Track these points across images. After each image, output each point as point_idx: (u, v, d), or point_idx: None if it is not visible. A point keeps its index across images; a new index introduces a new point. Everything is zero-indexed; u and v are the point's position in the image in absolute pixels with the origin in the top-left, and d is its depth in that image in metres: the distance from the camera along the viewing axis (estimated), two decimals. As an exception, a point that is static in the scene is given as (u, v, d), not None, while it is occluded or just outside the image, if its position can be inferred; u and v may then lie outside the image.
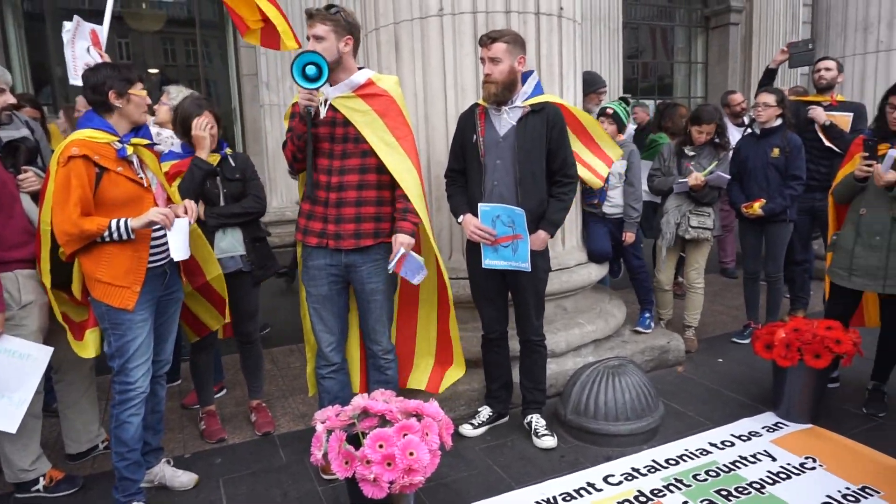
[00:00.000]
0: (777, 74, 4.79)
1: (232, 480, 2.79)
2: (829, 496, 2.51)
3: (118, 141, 2.30)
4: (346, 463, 2.10)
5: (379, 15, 3.59)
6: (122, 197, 2.30)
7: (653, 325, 4.08)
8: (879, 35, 5.51)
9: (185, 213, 2.43)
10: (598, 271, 3.82)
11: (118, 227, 2.26)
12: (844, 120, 4.41)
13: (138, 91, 2.32)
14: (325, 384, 2.77)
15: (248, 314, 3.20)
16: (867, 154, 2.99)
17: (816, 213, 4.47)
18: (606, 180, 3.80)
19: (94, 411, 3.01)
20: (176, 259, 2.38)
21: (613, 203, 3.91)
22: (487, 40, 2.71)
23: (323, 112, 2.56)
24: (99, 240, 2.26)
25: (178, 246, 2.35)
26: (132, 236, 2.29)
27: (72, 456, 2.96)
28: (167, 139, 3.55)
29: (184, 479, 2.73)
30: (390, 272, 2.60)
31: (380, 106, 2.60)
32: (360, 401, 2.29)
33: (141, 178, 2.37)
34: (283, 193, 8.41)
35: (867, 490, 2.55)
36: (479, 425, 3.11)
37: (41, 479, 2.69)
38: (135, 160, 2.36)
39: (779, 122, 4.03)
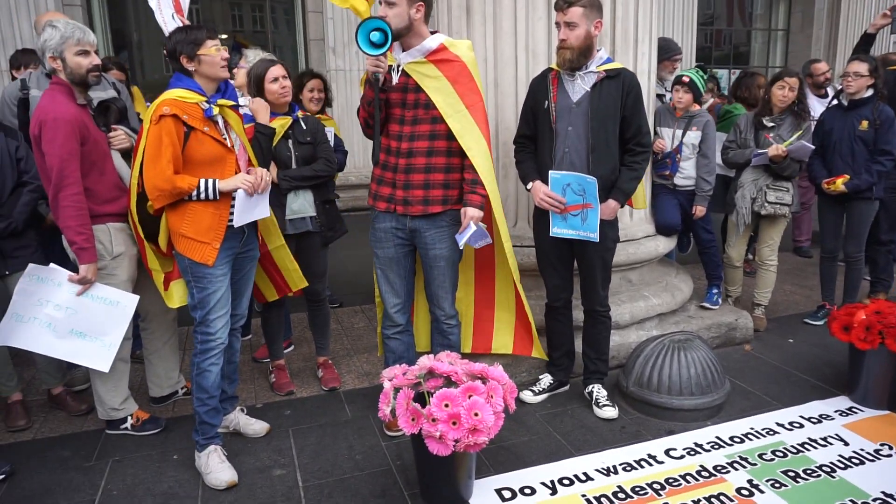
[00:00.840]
0: (875, 40, 4.47)
1: (301, 431, 2.92)
2: (906, 484, 2.43)
3: (206, 101, 2.37)
4: (413, 420, 2.17)
5: (451, -21, 3.55)
6: (207, 156, 2.39)
7: (720, 301, 3.98)
8: None
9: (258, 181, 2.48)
10: (665, 244, 3.73)
11: (206, 188, 2.35)
12: None
13: (208, 50, 2.34)
14: (390, 344, 2.85)
15: (317, 274, 3.30)
16: None
17: None
18: (679, 150, 3.68)
19: (175, 359, 3.20)
20: (236, 225, 2.47)
21: (685, 174, 3.80)
22: (564, 4, 2.65)
23: (395, 78, 2.57)
24: (186, 198, 2.36)
25: (242, 212, 2.46)
26: (218, 197, 2.38)
27: (155, 399, 3.17)
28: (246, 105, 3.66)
29: (256, 426, 2.88)
30: (461, 247, 2.62)
31: (451, 72, 2.58)
32: (426, 361, 2.35)
33: (225, 138, 2.45)
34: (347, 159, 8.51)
35: (947, 480, 2.45)
36: (540, 392, 3.14)
37: (129, 418, 2.90)
38: (220, 120, 2.44)
39: (870, 92, 3.79)
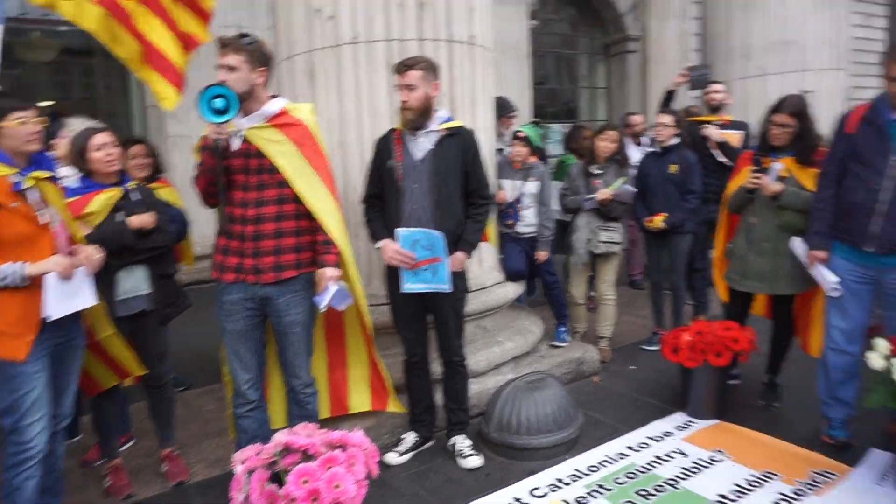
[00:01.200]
0: (674, 96, 5.15)
1: (146, 536, 2.62)
2: (736, 484, 2.71)
3: (17, 173, 2.14)
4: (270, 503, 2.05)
5: (293, 43, 3.59)
6: (15, 236, 2.12)
7: (568, 338, 4.24)
8: (757, 61, 6.05)
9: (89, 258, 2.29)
10: (514, 289, 3.93)
11: (10, 274, 2.08)
12: (735, 137, 4.77)
13: (9, 122, 2.14)
14: (242, 423, 2.68)
15: (157, 356, 3.00)
16: (755, 167, 3.27)
17: (714, 224, 4.80)
18: (519, 200, 3.96)
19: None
20: (48, 316, 2.17)
21: (527, 222, 4.06)
22: (402, 68, 2.77)
23: (237, 144, 2.52)
24: None
25: (56, 300, 2.17)
26: (26, 283, 2.11)
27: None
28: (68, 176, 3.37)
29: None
30: (322, 310, 2.58)
31: (296, 135, 2.58)
32: (281, 437, 2.22)
33: (40, 215, 2.21)
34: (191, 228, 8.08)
35: (768, 475, 2.78)
36: (405, 452, 3.10)
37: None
38: (33, 195, 2.20)
39: (676, 140, 4.34)
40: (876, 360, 2.55)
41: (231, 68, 2.42)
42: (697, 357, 3.25)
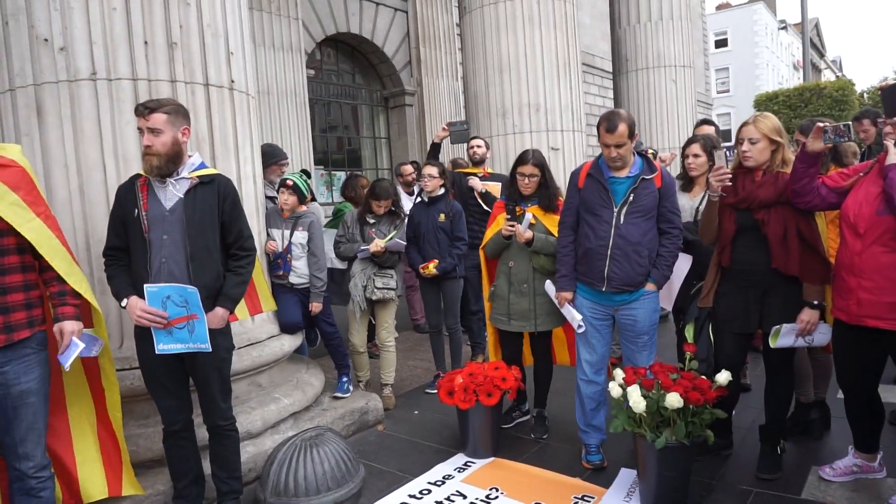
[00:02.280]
0: (441, 148, 5.48)
1: None
2: (507, 521, 2.81)
3: None
4: None
5: (14, 75, 3.12)
6: None
7: (351, 388, 4.15)
8: (514, 120, 6.73)
9: None
10: (291, 342, 3.76)
11: None
12: (495, 188, 5.21)
13: None
14: None
15: None
16: (509, 216, 3.56)
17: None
18: (289, 250, 3.84)
19: None
20: None
21: (299, 273, 3.93)
22: (144, 110, 2.54)
23: None
24: None
25: None
26: None
27: None
28: None
29: None
30: (67, 368, 2.31)
31: (13, 178, 2.30)
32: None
33: None
34: None
35: (536, 506, 2.93)
36: (167, 534, 2.74)
37: None
38: None
39: (442, 190, 4.58)
40: (615, 388, 2.88)
41: None
42: (470, 398, 3.38)
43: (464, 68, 7.61)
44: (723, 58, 39.44)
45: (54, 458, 2.56)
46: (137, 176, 2.67)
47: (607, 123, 3.02)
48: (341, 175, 11.61)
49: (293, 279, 3.90)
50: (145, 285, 2.51)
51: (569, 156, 6.69)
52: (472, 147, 5.35)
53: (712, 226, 3.05)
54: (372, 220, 4.28)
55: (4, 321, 2.23)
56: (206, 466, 2.91)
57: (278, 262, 3.87)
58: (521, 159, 3.57)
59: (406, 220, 4.50)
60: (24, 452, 2.29)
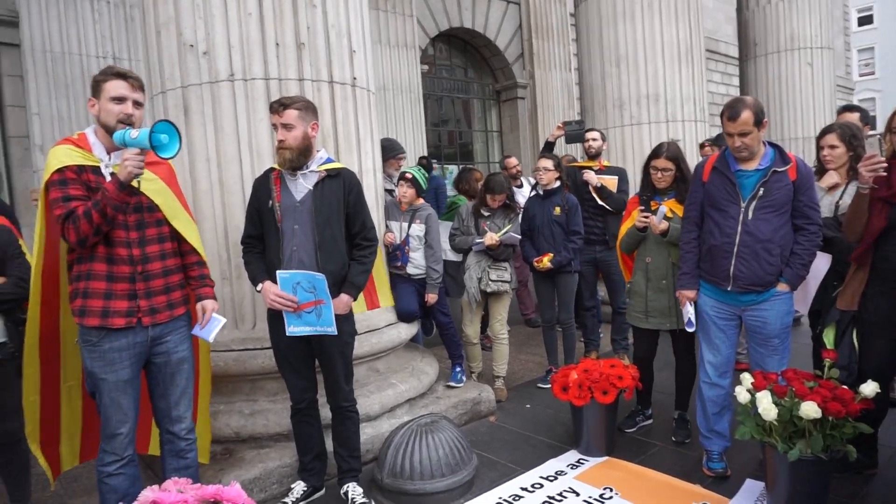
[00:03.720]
0: (555, 147, 5.39)
1: None
2: (623, 522, 2.73)
3: None
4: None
5: (165, 79, 3.43)
6: None
7: (464, 378, 4.21)
8: (631, 111, 6.49)
9: None
10: (407, 330, 3.87)
11: None
12: (612, 182, 5.06)
13: None
14: (112, 483, 2.38)
15: (10, 409, 2.72)
16: (643, 208, 3.45)
17: (598, 263, 5.03)
18: (407, 242, 3.95)
19: None
20: None
21: (416, 264, 4.03)
22: (279, 107, 2.70)
23: (108, 177, 2.33)
24: None
25: None
26: None
27: None
28: None
29: None
30: (211, 340, 2.59)
31: (164, 174, 2.55)
32: (149, 494, 2.03)
33: None
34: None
35: (653, 511, 2.82)
36: (294, 502, 2.92)
37: None
38: None
39: (557, 183, 4.51)
40: (742, 394, 2.71)
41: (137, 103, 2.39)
42: (585, 395, 3.31)
43: (578, 60, 7.45)
44: (867, 37, 35.66)
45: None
46: (271, 169, 2.85)
47: (730, 111, 2.83)
48: (453, 169, 11.75)
49: (410, 270, 4.01)
50: (278, 271, 2.69)
51: (690, 147, 6.35)
52: (588, 140, 5.21)
53: (860, 221, 2.78)
54: (487, 214, 4.31)
55: (167, 300, 2.47)
56: (329, 445, 3.07)
57: (396, 254, 3.99)
58: (655, 153, 3.45)
59: (521, 214, 4.47)
60: (178, 415, 2.53)
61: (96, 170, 2.33)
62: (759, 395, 2.60)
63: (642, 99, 6.45)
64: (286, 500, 2.93)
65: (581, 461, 3.37)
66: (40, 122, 7.38)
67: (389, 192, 4.36)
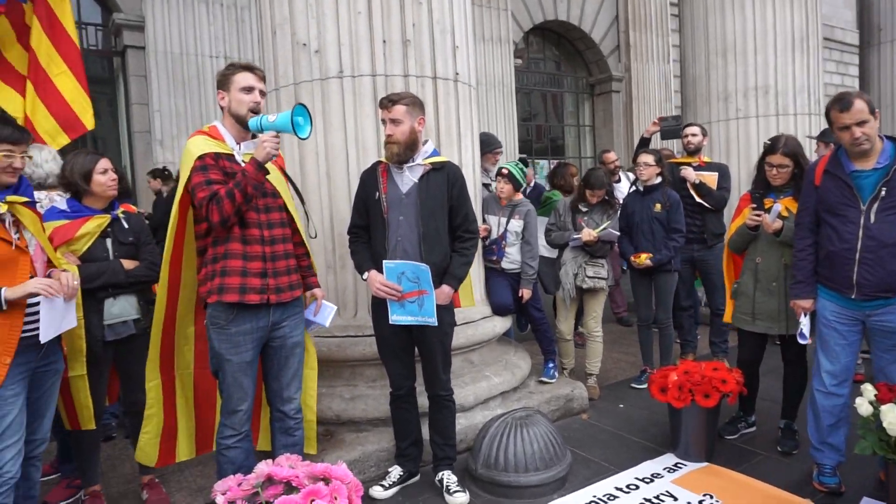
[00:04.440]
0: (650, 142, 5.23)
1: (118, 571, 2.52)
2: (726, 530, 2.64)
3: None
4: (249, 538, 1.97)
5: (279, 76, 3.62)
6: None
7: (556, 374, 4.19)
8: (737, 104, 6.18)
9: (64, 282, 2.26)
10: (502, 324, 3.90)
11: None
12: (711, 179, 4.84)
13: None
14: (230, 455, 2.58)
15: (142, 381, 2.97)
16: (755, 206, 3.30)
17: (696, 262, 4.84)
18: (504, 237, 3.96)
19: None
20: (42, 340, 2.19)
21: (511, 259, 4.04)
22: (388, 102, 2.79)
23: (242, 164, 2.52)
24: None
25: (48, 324, 2.20)
26: (3, 307, 2.09)
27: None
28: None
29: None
30: (327, 325, 2.75)
31: (279, 165, 2.71)
32: (263, 467, 2.17)
33: (15, 238, 2.18)
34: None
35: (759, 521, 2.70)
36: (390, 486, 3.03)
37: None
38: (8, 219, 2.18)
39: (658, 179, 4.38)
40: (864, 405, 2.54)
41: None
42: (685, 397, 3.21)
43: (680, 51, 7.17)
44: None
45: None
46: (378, 162, 2.96)
47: (840, 103, 2.63)
48: (543, 164, 11.65)
49: (505, 265, 4.03)
50: (384, 261, 2.78)
51: (801, 142, 5.95)
52: (687, 135, 4.99)
53: None
54: (584, 209, 4.25)
55: (289, 281, 2.62)
56: (425, 433, 3.16)
57: (492, 248, 4.02)
58: (771, 148, 3.26)
59: (619, 211, 4.38)
60: (288, 396, 2.68)
61: (230, 157, 2.51)
62: (883, 408, 2.44)
63: (750, 91, 6.12)
64: (384, 482, 3.04)
65: (679, 465, 3.27)
66: (160, 118, 8.00)
67: (486, 186, 4.39)
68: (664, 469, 3.24)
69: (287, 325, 2.63)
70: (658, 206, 4.31)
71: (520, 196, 4.14)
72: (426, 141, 2.96)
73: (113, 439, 3.83)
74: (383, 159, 2.93)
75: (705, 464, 3.26)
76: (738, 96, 6.18)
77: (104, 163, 2.89)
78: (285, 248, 2.62)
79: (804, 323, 2.97)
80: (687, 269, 4.83)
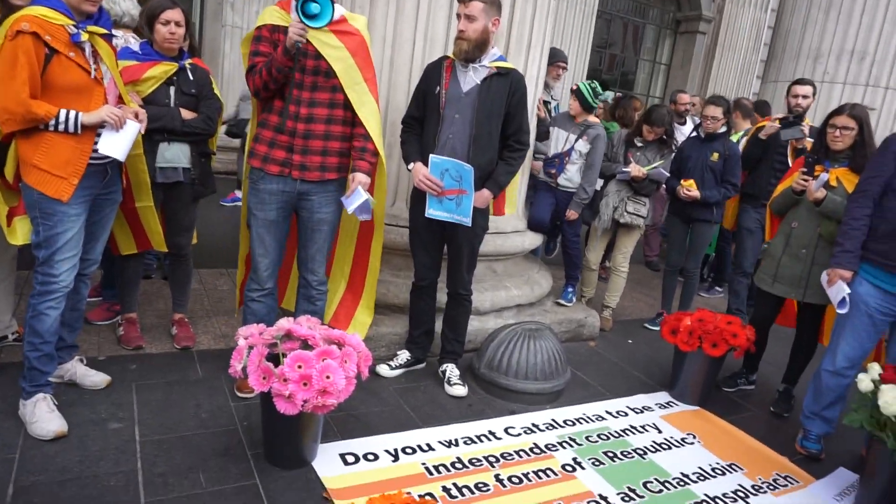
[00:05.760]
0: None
1: (145, 387, 2.81)
2: (700, 467, 2.80)
3: (73, 25, 2.20)
4: (264, 378, 2.17)
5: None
6: (70, 84, 2.22)
7: (574, 299, 4.29)
8: (827, 66, 5.83)
9: (138, 118, 2.41)
10: (531, 240, 3.97)
11: (67, 119, 2.19)
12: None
13: None
14: (253, 307, 2.81)
15: (183, 227, 3.19)
16: (805, 170, 3.21)
17: None
18: (569, 154, 3.95)
19: (7, 301, 2.94)
20: (109, 153, 2.33)
21: (568, 177, 4.06)
22: None
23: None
24: (42, 126, 2.18)
25: (118, 146, 2.33)
26: (79, 131, 2.23)
27: (-20, 341, 2.90)
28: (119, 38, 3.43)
29: (96, 378, 2.73)
30: (350, 213, 2.64)
31: (351, 44, 2.65)
32: (284, 323, 2.36)
33: (93, 68, 2.30)
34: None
35: (733, 466, 2.85)
36: (397, 367, 3.24)
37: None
38: (87, 48, 2.28)
39: (724, 129, 4.25)
40: (865, 382, 2.57)
41: None
42: (693, 342, 3.29)
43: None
44: None
45: (346, 293, 3.24)
46: (445, 57, 2.95)
47: None
48: (608, 94, 11.25)
49: (561, 181, 4.06)
50: (431, 155, 2.84)
51: (886, 120, 5.65)
52: (798, 95, 4.37)
53: None
54: (640, 144, 4.19)
55: (321, 161, 2.67)
56: (438, 326, 3.33)
57: (554, 161, 4.01)
58: (838, 109, 3.13)
59: (673, 154, 4.30)
60: (312, 268, 2.84)
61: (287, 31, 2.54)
62: (884, 386, 2.48)
63: (845, 54, 5.75)
64: (391, 363, 3.25)
65: (671, 403, 3.41)
66: (234, -23, 7.89)
67: (545, 103, 4.33)
68: (656, 404, 3.38)
69: (315, 199, 2.71)
70: (716, 155, 4.20)
71: (595, 119, 4.09)
72: (493, 46, 2.92)
73: (150, 279, 4.13)
74: (450, 55, 2.92)
75: (696, 407, 3.40)
76: (829, 58, 5.82)
77: (170, 13, 2.85)
78: (328, 128, 2.65)
79: (846, 290, 2.83)
80: (760, 232, 4.46)
